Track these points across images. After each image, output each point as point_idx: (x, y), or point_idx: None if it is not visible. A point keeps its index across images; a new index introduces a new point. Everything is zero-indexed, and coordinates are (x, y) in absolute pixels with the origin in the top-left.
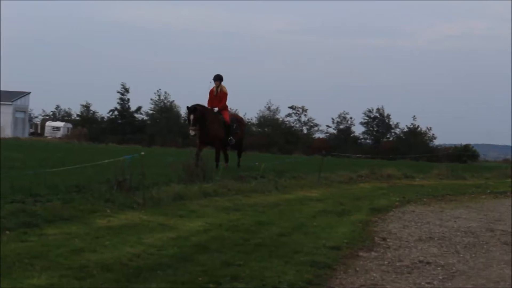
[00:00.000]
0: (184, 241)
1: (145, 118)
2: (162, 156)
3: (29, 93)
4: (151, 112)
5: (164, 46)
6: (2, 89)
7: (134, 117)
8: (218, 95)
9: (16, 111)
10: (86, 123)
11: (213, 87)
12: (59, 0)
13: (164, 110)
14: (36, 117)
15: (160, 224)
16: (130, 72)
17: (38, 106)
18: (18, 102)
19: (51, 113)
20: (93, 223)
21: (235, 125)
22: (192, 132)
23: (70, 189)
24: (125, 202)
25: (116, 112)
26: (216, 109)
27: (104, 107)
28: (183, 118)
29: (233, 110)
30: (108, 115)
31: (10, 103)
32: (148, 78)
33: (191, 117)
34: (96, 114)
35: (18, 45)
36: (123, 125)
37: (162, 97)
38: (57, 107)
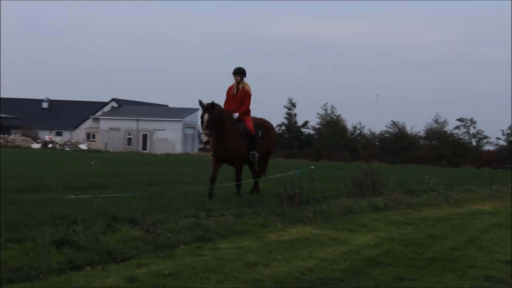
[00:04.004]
0: (355, 255)
1: (312, 132)
2: (330, 170)
3: (197, 109)
4: (317, 126)
5: (327, 60)
6: (172, 106)
7: (301, 131)
8: (239, 94)
9: (186, 127)
10: None
11: (232, 85)
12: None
13: (331, 124)
14: None
15: (331, 238)
16: (297, 87)
17: None
18: (187, 118)
19: None
20: (265, 237)
21: (260, 132)
22: (204, 138)
23: (241, 204)
24: (296, 216)
25: (283, 127)
26: (236, 115)
27: (271, 122)
28: (350, 132)
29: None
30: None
31: (180, 119)
32: (314, 93)
33: (205, 117)
34: None
35: (186, 64)
36: (290, 140)
37: (328, 111)
38: None
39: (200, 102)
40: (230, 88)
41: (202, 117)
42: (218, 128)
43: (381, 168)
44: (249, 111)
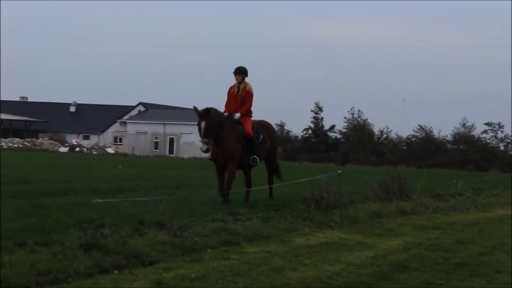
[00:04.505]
0: (382, 260)
1: (339, 136)
2: (357, 174)
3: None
4: (344, 130)
5: (354, 63)
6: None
7: (328, 135)
8: (240, 94)
9: None
10: (281, 142)
11: (233, 84)
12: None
13: (358, 128)
14: None
15: (358, 242)
16: (323, 91)
17: None
18: None
19: None
20: (292, 242)
21: (261, 136)
22: (203, 147)
23: (268, 208)
24: (323, 220)
25: (310, 131)
26: (237, 115)
27: (298, 126)
28: (376, 136)
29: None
30: (302, 134)
31: None
32: (341, 97)
33: (202, 124)
34: (290, 133)
35: (213, 68)
36: (317, 144)
37: (355, 115)
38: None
39: (195, 109)
40: (231, 88)
41: (198, 124)
42: (217, 133)
43: (408, 172)
44: (250, 112)
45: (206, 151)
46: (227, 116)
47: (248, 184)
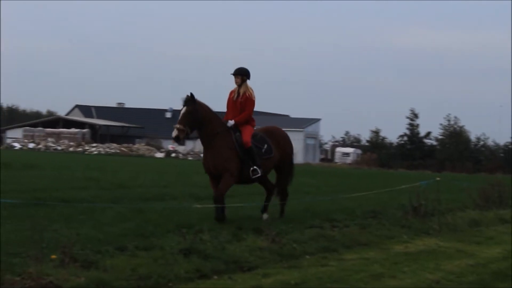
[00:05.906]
0: (483, 268)
1: (435, 143)
2: (454, 181)
3: (319, 119)
4: (440, 137)
5: (450, 70)
6: (294, 116)
7: (423, 142)
8: (239, 100)
9: (307, 137)
10: (376, 149)
11: (233, 89)
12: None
13: (454, 135)
14: (326, 143)
15: (457, 250)
16: (419, 98)
17: (328, 132)
18: (309, 128)
19: (341, 139)
20: (390, 249)
21: (265, 145)
22: (174, 133)
23: (366, 215)
24: (421, 228)
25: (405, 138)
26: (231, 122)
27: (393, 132)
28: (473, 143)
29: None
30: (397, 140)
31: (301, 129)
32: (437, 103)
33: (183, 110)
34: (385, 139)
35: (308, 74)
36: (412, 151)
37: (451, 122)
38: (347, 133)
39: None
40: (231, 93)
41: (180, 111)
42: (200, 127)
43: (506, 180)
44: (251, 120)
45: (175, 139)
46: (220, 120)
47: (283, 195)
